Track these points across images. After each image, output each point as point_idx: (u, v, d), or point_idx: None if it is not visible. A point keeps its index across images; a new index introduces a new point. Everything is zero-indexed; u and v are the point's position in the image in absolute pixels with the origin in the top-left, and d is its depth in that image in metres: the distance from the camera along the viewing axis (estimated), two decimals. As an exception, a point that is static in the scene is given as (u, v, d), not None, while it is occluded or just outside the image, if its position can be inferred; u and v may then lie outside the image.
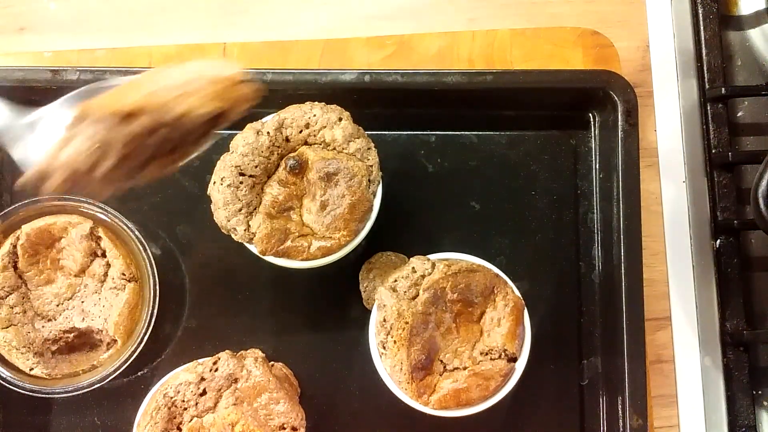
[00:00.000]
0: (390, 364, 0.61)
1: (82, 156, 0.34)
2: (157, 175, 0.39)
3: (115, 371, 0.63)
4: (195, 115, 0.36)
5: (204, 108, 0.36)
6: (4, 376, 0.62)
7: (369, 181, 0.63)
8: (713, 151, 0.73)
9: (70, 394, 0.63)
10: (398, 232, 0.71)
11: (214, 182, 0.63)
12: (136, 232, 0.65)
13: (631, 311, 0.66)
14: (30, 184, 0.34)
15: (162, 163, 0.37)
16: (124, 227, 0.65)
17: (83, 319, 0.64)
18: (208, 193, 0.63)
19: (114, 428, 0.68)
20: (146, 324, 0.64)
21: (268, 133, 0.62)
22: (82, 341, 0.65)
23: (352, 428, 0.69)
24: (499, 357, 0.61)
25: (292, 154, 0.63)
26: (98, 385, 0.63)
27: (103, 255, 0.65)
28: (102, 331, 0.64)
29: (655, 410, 0.70)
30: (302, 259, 0.62)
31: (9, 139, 0.35)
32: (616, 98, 0.69)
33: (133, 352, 0.63)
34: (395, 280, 0.62)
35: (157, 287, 0.65)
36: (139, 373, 0.68)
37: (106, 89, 0.39)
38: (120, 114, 0.35)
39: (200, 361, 0.63)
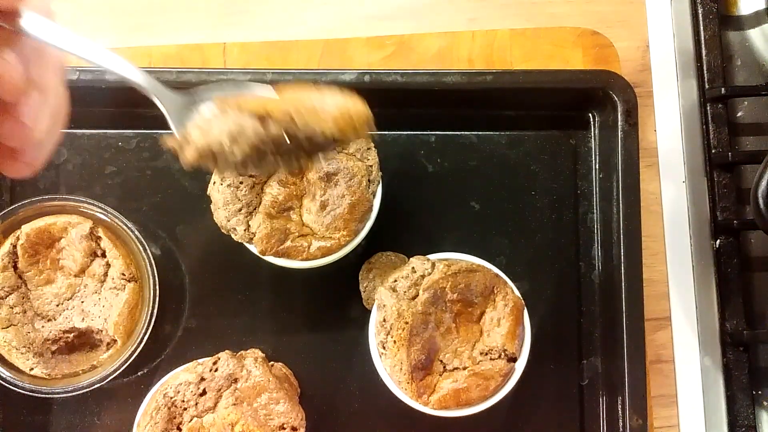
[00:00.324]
0: (390, 364, 0.61)
1: (215, 139, 0.40)
2: (262, 174, 0.45)
3: (115, 371, 0.63)
4: (317, 134, 0.41)
5: (326, 130, 0.41)
6: (4, 376, 0.62)
7: (369, 181, 0.63)
8: (713, 151, 0.73)
9: (70, 394, 0.63)
10: (398, 232, 0.71)
11: (214, 182, 0.63)
12: (136, 232, 0.65)
13: (631, 311, 0.66)
14: (170, 143, 0.41)
15: (271, 166, 0.43)
16: (124, 227, 0.65)
17: (83, 319, 0.64)
18: (208, 193, 0.63)
19: (114, 428, 0.68)
20: (146, 324, 0.64)
21: (268, 133, 0.62)
22: (82, 341, 0.65)
23: (352, 428, 0.69)
24: (499, 357, 0.61)
25: (292, 154, 0.63)
26: (98, 385, 0.63)
27: (103, 255, 0.65)
28: (102, 331, 0.64)
29: (655, 410, 0.70)
30: (302, 259, 0.62)
31: (169, 108, 0.42)
32: (615, 98, 0.69)
33: (133, 352, 0.63)
34: (395, 280, 0.62)
35: (157, 287, 0.65)
36: (139, 373, 0.68)
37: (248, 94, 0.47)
38: (257, 114, 0.40)
39: (200, 361, 0.63)
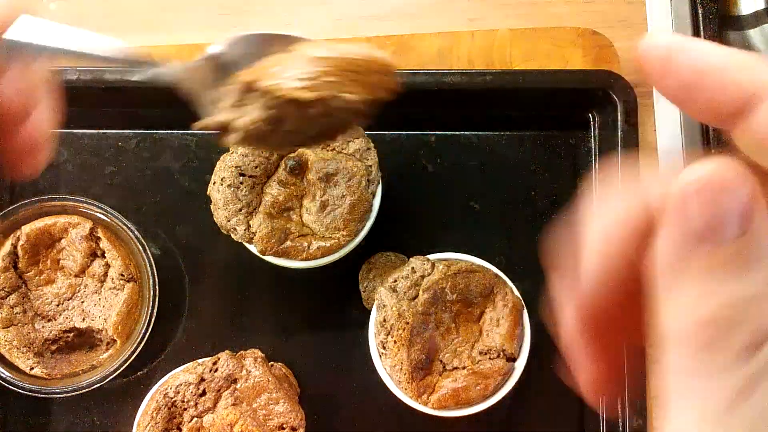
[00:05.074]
0: (390, 364, 0.61)
1: (254, 125, 0.38)
2: (306, 146, 0.42)
3: (115, 371, 0.63)
4: (341, 101, 0.38)
5: (349, 95, 0.37)
6: (4, 376, 0.62)
7: (368, 181, 0.63)
8: (713, 151, 0.73)
9: (70, 394, 0.63)
10: (398, 232, 0.71)
11: (214, 182, 0.63)
12: (136, 232, 0.65)
13: (630, 311, 0.66)
14: (204, 126, 0.38)
15: (310, 142, 0.41)
16: (124, 227, 0.65)
17: (83, 319, 0.64)
18: (208, 193, 0.63)
19: (114, 428, 0.68)
20: (146, 324, 0.64)
21: (268, 133, 0.62)
22: (82, 341, 0.65)
23: (352, 428, 0.69)
24: (498, 356, 0.61)
25: (291, 155, 0.63)
26: (98, 385, 0.63)
27: (103, 255, 0.65)
28: (102, 331, 0.64)
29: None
30: (302, 259, 0.62)
31: (193, 88, 0.39)
32: (615, 98, 0.69)
33: (133, 352, 0.64)
34: (395, 281, 0.62)
35: (157, 287, 0.65)
36: (139, 373, 0.68)
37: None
38: (290, 99, 0.37)
39: (200, 361, 0.63)
